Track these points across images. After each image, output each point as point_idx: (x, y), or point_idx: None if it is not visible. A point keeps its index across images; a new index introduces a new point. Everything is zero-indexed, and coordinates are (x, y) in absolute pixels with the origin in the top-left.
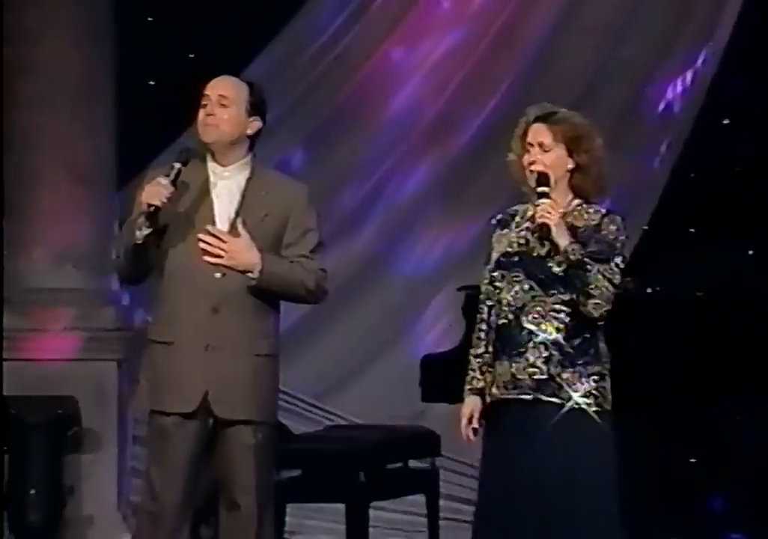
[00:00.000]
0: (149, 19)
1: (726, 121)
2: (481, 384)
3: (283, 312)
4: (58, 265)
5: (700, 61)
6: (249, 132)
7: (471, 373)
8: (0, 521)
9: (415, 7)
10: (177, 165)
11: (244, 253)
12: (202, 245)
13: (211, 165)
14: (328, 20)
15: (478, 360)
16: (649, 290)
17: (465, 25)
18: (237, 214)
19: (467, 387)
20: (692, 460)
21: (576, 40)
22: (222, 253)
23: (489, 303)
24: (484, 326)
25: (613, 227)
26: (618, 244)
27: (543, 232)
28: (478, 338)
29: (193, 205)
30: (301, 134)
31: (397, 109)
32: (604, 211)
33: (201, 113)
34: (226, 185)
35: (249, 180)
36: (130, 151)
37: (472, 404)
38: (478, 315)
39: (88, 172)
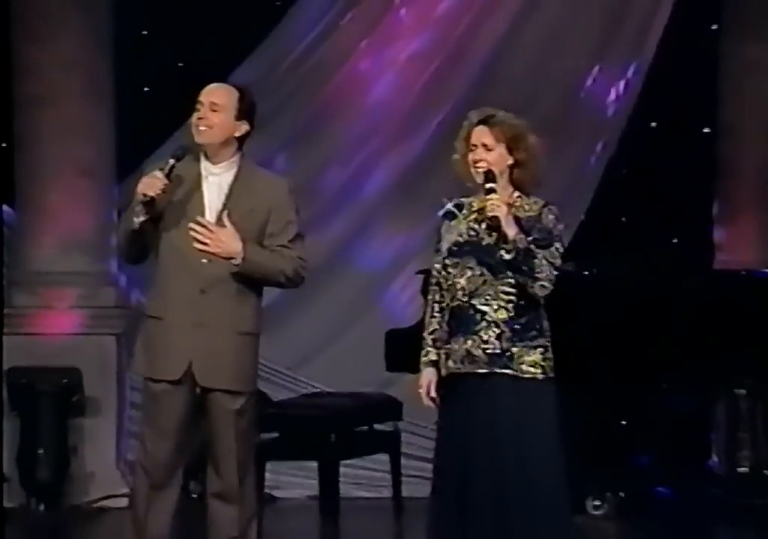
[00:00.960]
0: (144, 32)
1: (654, 124)
2: (435, 357)
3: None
4: (64, 250)
5: (630, 73)
6: (237, 134)
7: (426, 348)
8: None
9: (381, 21)
10: (172, 160)
11: (229, 242)
12: (192, 233)
13: (204, 163)
14: (303, 33)
15: (431, 336)
16: (586, 273)
17: (425, 37)
18: (224, 206)
19: (423, 360)
20: (623, 423)
21: (522, 52)
22: (209, 241)
23: (441, 286)
24: (436, 307)
25: (551, 216)
26: (556, 232)
27: (493, 223)
28: (432, 317)
29: (186, 198)
30: (281, 136)
31: (365, 113)
32: (542, 202)
33: (194, 117)
34: (216, 181)
35: (236, 177)
36: (129, 148)
37: (428, 375)
38: (430, 297)
39: (91, 167)
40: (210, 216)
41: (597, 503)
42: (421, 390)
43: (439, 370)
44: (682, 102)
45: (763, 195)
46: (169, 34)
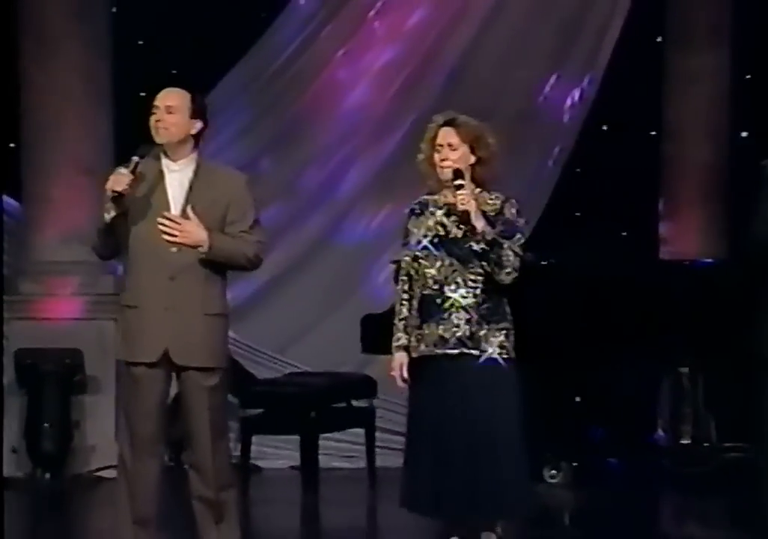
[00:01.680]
0: (140, 42)
1: (605, 127)
2: (405, 342)
3: (248, 279)
4: (66, 241)
5: (585, 82)
6: (193, 132)
7: (397, 334)
8: None
9: (356, 33)
10: (135, 158)
11: (195, 233)
12: (160, 227)
13: (165, 161)
14: (286, 43)
15: (402, 322)
16: (544, 263)
17: (396, 48)
18: (187, 200)
19: (395, 344)
20: (577, 399)
21: (486, 61)
22: (177, 232)
23: (411, 277)
24: (405, 295)
25: (513, 210)
26: (518, 223)
27: (464, 217)
28: (401, 304)
29: (151, 194)
30: (266, 138)
31: (342, 116)
32: (503, 197)
33: (152, 120)
34: (177, 177)
35: (196, 172)
36: (125, 148)
37: (400, 359)
38: (399, 287)
39: (90, 166)
40: (174, 209)
41: (553, 472)
42: (394, 373)
43: (409, 353)
44: (630, 107)
45: (704, 192)
46: (163, 44)
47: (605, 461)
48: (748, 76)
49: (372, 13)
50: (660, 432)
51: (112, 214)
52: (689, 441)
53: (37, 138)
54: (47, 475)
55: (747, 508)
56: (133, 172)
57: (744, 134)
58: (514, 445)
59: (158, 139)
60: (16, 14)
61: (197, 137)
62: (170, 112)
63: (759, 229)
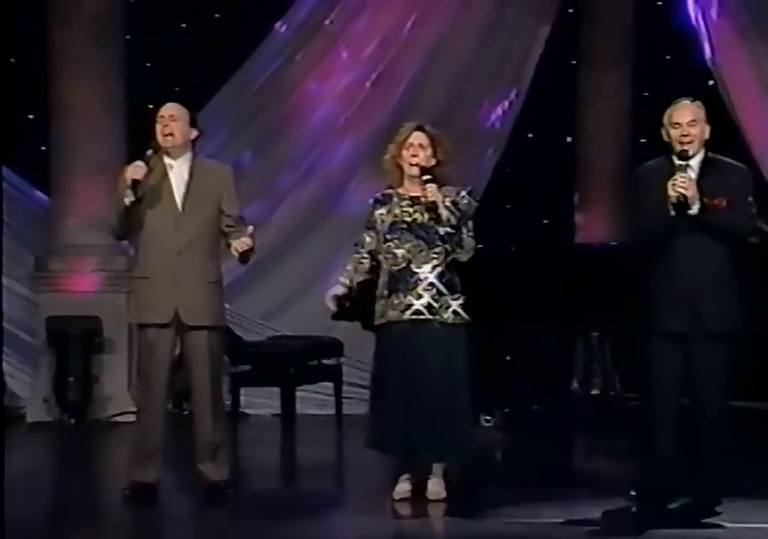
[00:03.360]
0: (148, 64)
1: (530, 135)
2: (347, 282)
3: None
4: (87, 228)
5: (513, 94)
6: (192, 138)
7: (343, 275)
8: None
9: (325, 56)
10: (149, 152)
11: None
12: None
13: (167, 160)
14: (266, 66)
15: (347, 273)
16: (480, 246)
17: (359, 68)
18: (188, 188)
19: (340, 279)
20: (508, 357)
21: (435, 80)
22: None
23: (373, 248)
24: (357, 257)
25: (465, 200)
26: (470, 211)
27: (432, 206)
28: (350, 261)
29: (159, 185)
30: (250, 142)
31: (313, 126)
32: (456, 190)
33: (159, 127)
34: (178, 171)
35: (192, 167)
36: (136, 151)
37: (337, 289)
38: (356, 252)
39: (107, 165)
40: (178, 197)
41: (488, 417)
42: (327, 296)
43: (350, 292)
44: (550, 117)
45: (610, 188)
46: (168, 65)
47: (530, 408)
48: (646, 94)
49: (338, 40)
50: (575, 384)
51: (132, 198)
52: (598, 392)
53: (63, 142)
54: (72, 420)
55: (642, 446)
56: (147, 163)
57: (643, 140)
58: (466, 397)
59: (166, 144)
60: (48, 43)
61: (194, 142)
62: (174, 120)
63: (640, 223)
